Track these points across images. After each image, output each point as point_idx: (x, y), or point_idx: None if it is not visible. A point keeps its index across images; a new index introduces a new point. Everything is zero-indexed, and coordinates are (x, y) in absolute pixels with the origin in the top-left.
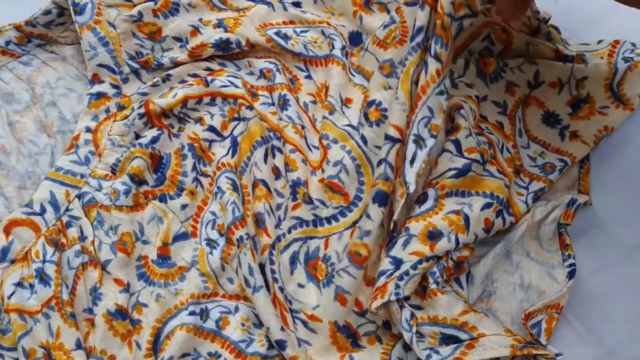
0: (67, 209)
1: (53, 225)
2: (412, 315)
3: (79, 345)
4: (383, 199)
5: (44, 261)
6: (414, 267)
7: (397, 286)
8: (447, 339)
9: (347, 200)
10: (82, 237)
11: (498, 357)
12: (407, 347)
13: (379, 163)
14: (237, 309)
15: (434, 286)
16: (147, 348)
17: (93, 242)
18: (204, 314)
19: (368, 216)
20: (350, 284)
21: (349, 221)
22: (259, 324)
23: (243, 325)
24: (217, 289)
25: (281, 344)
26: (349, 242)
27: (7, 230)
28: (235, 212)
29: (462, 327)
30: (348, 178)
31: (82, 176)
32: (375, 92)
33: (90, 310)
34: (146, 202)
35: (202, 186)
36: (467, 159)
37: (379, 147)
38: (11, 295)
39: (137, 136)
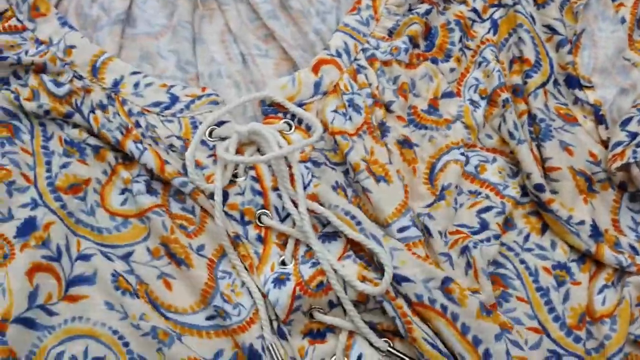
0: (355, 59)
1: (348, 68)
2: None
3: (389, 161)
4: None
5: (352, 93)
6: None
7: (635, 152)
8: None
9: None
10: (368, 84)
11: None
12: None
13: None
14: (494, 159)
15: None
16: (425, 178)
17: (378, 87)
18: (465, 159)
19: None
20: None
21: None
22: (512, 175)
23: (500, 173)
24: (476, 142)
25: (540, 187)
26: None
27: (316, 69)
28: (501, 79)
29: None
30: None
31: (364, 35)
32: None
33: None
34: (418, 63)
35: (465, 56)
36: None
37: None
38: (332, 120)
39: (410, 8)
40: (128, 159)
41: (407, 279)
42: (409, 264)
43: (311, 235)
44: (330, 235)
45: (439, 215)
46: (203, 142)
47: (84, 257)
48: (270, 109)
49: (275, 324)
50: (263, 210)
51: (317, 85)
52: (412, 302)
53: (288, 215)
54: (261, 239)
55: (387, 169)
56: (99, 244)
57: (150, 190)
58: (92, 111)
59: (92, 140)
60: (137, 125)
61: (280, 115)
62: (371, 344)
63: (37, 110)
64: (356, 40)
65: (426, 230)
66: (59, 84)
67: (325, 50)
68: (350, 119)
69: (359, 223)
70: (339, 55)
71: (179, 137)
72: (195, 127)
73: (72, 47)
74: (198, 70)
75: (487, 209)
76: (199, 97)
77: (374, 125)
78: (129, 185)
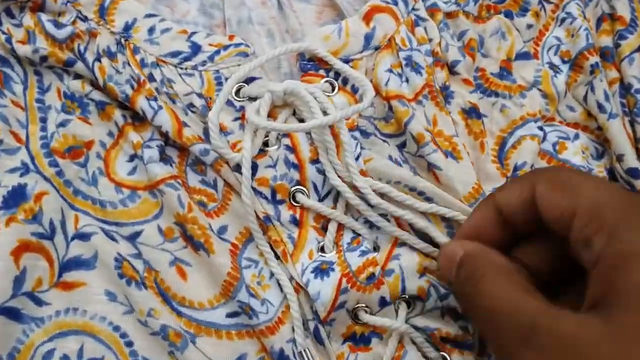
0: (413, 8)
1: (406, 19)
2: None
3: (455, 133)
4: None
5: (411, 49)
6: None
7: None
8: None
9: None
10: (429, 39)
11: None
12: None
13: None
14: (576, 136)
15: None
16: (493, 155)
17: (439, 43)
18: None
19: None
20: None
21: None
22: (598, 156)
23: (583, 153)
24: (555, 114)
25: (634, 173)
26: None
27: (367, 17)
28: (589, 39)
29: None
30: None
31: None
32: None
33: None
34: (489, 16)
35: (545, 10)
36: None
37: None
38: (387, 82)
39: None
40: (139, 119)
41: None
42: None
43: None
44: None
45: None
46: (229, 102)
47: (82, 236)
48: (310, 64)
49: (311, 324)
50: (299, 187)
51: (368, 37)
52: None
53: (328, 193)
54: (296, 221)
55: (454, 143)
56: (101, 221)
57: (164, 158)
58: (98, 59)
59: (97, 95)
60: (151, 78)
61: (321, 72)
62: (425, 356)
63: (33, 56)
64: None
65: None
66: (59, 26)
67: None
68: (407, 80)
69: (429, 200)
70: (395, 2)
71: (200, 95)
72: (220, 84)
73: None
74: (225, 15)
75: None
76: (226, 47)
77: (437, 88)
78: (138, 150)
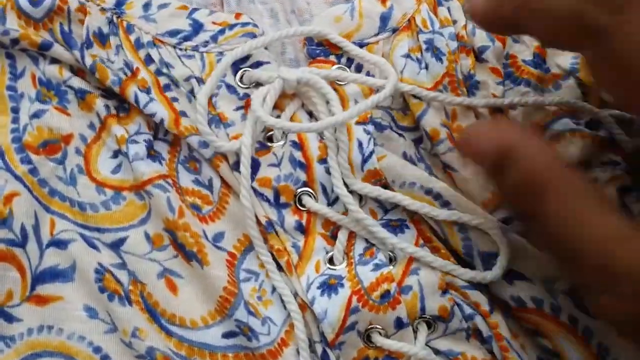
0: None
1: None
2: None
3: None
4: None
5: (432, 32)
6: None
7: None
8: None
9: None
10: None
11: None
12: None
13: None
14: None
15: None
16: None
17: (465, 26)
18: None
19: None
20: None
21: None
22: None
23: None
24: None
25: None
26: None
27: None
28: None
29: None
30: None
31: None
32: None
33: None
34: None
35: None
36: None
37: None
38: (403, 68)
39: None
40: (123, 110)
41: (521, 277)
42: (524, 256)
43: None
44: (394, 224)
45: None
46: (231, 89)
47: (59, 243)
48: (319, 49)
49: (318, 347)
50: (305, 189)
51: (384, 18)
52: (523, 310)
53: (339, 196)
54: (302, 228)
55: None
56: (80, 225)
57: (152, 155)
58: (88, 44)
59: (76, 82)
60: (148, 60)
61: (332, 58)
62: None
63: (2, 38)
64: None
65: None
66: (35, 3)
67: None
68: (426, 67)
69: (446, 204)
70: None
71: (200, 80)
72: None
73: None
74: None
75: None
76: (231, 27)
77: (459, 78)
78: (123, 146)
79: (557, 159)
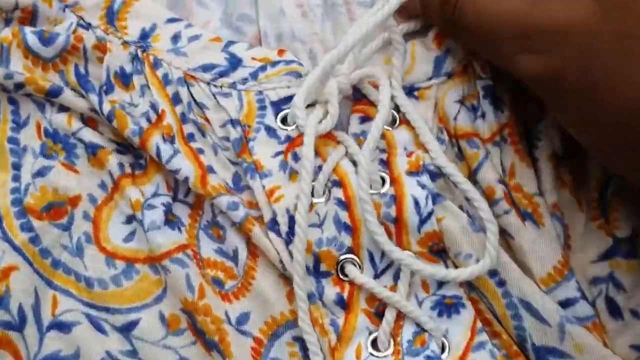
0: None
1: None
2: None
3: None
4: None
5: (492, 77)
6: None
7: None
8: None
9: None
10: None
11: None
12: None
13: None
14: None
15: None
16: (595, 207)
17: None
18: None
19: None
20: None
21: None
22: None
23: None
24: None
25: None
26: None
27: (439, 39)
28: None
29: None
30: None
31: None
32: None
33: None
34: None
35: None
36: None
37: None
38: (456, 115)
39: None
40: (140, 167)
41: None
42: (591, 352)
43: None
44: (449, 301)
45: (628, 276)
46: (270, 131)
47: (62, 326)
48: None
49: None
50: (350, 256)
51: (438, 61)
52: None
53: (388, 266)
54: (343, 303)
55: (536, 203)
56: (87, 304)
57: (170, 220)
58: (108, 89)
59: (88, 134)
60: (175, 99)
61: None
62: None
63: (4, 82)
64: None
65: (607, 305)
66: (47, 40)
67: None
68: (483, 115)
69: (501, 283)
70: None
71: (236, 122)
72: (263, 108)
73: None
74: (259, 26)
75: None
76: (273, 64)
77: (521, 131)
78: (138, 212)
79: None
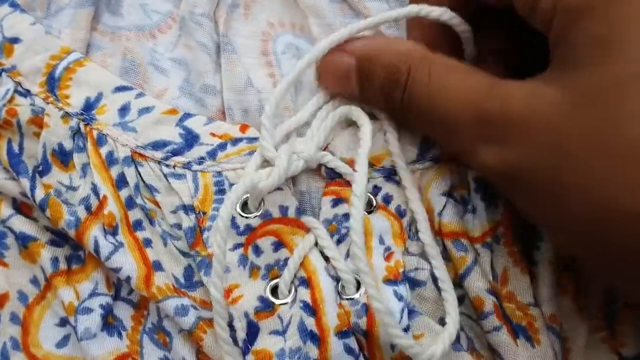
0: None
1: None
2: None
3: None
4: None
5: None
6: None
7: None
8: None
9: None
10: None
11: None
12: None
13: None
14: None
15: None
16: (599, 317)
17: None
18: None
19: None
20: None
21: None
22: None
23: None
24: None
25: None
26: None
27: None
28: None
29: None
30: None
31: None
32: None
33: None
34: None
35: None
36: None
37: None
38: (441, 210)
39: None
40: (78, 260)
41: None
42: None
43: None
44: None
45: None
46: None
47: None
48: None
49: None
50: None
51: (425, 145)
52: None
53: None
54: None
55: (531, 315)
56: None
57: (109, 323)
58: (43, 170)
59: (18, 223)
60: (120, 182)
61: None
62: None
63: None
64: None
65: None
66: None
67: None
68: (474, 211)
69: None
70: None
71: (189, 209)
72: (222, 192)
73: (15, 40)
74: (223, 98)
75: None
76: (235, 142)
77: (517, 233)
78: (71, 317)
79: (417, 46)
